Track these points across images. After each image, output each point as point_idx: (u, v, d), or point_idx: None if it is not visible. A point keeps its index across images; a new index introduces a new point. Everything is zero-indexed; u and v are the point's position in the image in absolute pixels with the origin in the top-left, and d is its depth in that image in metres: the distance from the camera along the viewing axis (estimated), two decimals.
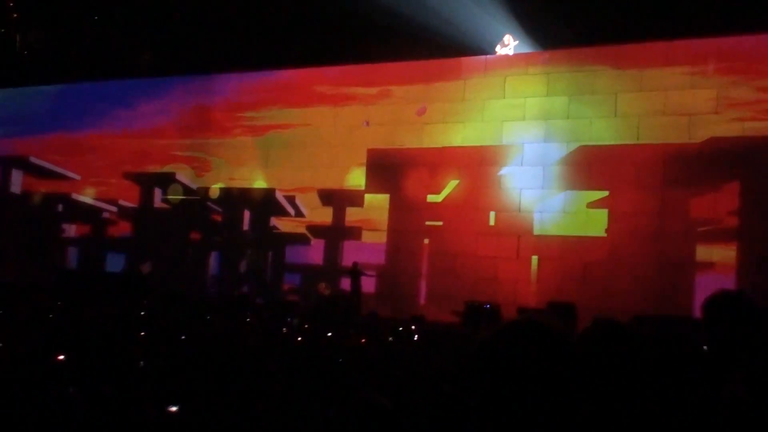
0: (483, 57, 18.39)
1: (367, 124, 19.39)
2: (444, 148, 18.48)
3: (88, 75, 22.14)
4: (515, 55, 18.21)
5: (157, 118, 22.26)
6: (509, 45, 18.16)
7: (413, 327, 9.75)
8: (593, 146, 16.95)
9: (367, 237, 19.11)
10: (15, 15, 21.24)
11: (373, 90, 19.62)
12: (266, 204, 20.28)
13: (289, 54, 19.25)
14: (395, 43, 17.70)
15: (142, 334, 7.43)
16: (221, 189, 20.88)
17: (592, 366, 1.88)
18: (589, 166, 16.95)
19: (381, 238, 18.97)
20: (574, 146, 17.13)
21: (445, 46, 17.51)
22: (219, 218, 21.11)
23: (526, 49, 18.07)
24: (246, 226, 20.66)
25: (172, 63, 21.34)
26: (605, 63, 17.18)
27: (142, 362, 5.47)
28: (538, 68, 17.87)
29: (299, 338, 7.44)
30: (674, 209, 16.09)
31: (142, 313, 10.69)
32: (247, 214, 20.67)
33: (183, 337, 7.16)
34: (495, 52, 18.33)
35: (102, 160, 22.70)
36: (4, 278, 18.43)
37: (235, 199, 20.71)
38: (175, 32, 20.72)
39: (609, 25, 16.07)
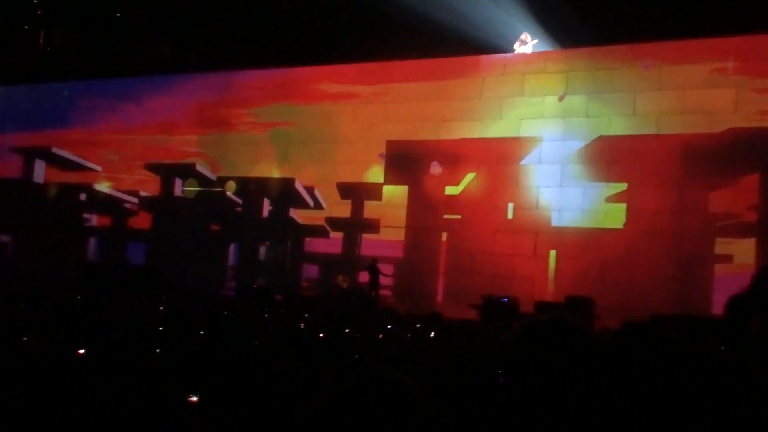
0: (501, 55, 18.36)
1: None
2: (462, 140, 18.46)
3: (107, 72, 22.29)
4: (534, 54, 18.17)
5: (174, 114, 22.40)
6: (528, 43, 18.12)
7: (431, 328, 9.74)
8: (612, 137, 16.90)
9: (385, 233, 19.13)
10: (39, 12, 21.39)
11: (392, 87, 19.64)
12: (286, 194, 20.36)
13: (309, 51, 19.29)
14: (414, 40, 17.69)
15: (161, 329, 7.48)
16: (240, 179, 20.97)
17: (622, 372, 1.85)
18: (607, 158, 16.92)
19: (399, 234, 19.00)
20: (591, 149, 17.08)
21: (464, 44, 17.48)
22: (238, 209, 21.22)
23: (544, 47, 18.03)
24: (265, 218, 20.76)
25: (189, 60, 21.47)
26: (624, 61, 17.11)
27: (160, 356, 5.52)
28: (556, 66, 17.83)
29: (321, 335, 7.46)
30: (693, 203, 16.02)
31: (161, 308, 10.75)
32: (266, 206, 20.78)
33: (201, 333, 7.19)
34: (514, 51, 18.29)
35: (118, 154, 22.87)
36: (28, 270, 18.58)
37: (254, 189, 20.81)
38: (192, 30, 20.82)
39: (628, 23, 16.00)
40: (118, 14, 21.18)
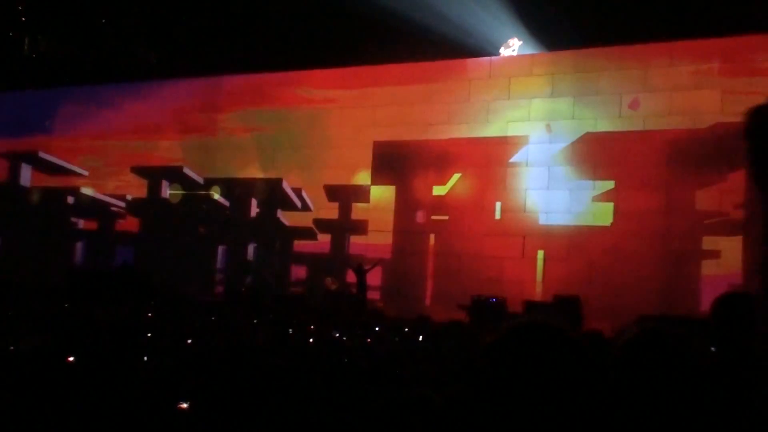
0: (488, 58, 18.42)
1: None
2: (450, 140, 18.50)
3: (92, 78, 22.24)
4: (520, 56, 18.24)
5: (159, 119, 22.36)
6: (513, 46, 18.19)
7: (419, 331, 9.75)
8: (599, 134, 17.00)
9: (373, 237, 19.13)
10: (23, 18, 21.31)
11: (379, 91, 19.65)
12: (273, 195, 20.33)
13: (294, 56, 19.30)
14: (401, 44, 17.74)
15: (149, 335, 7.47)
16: (228, 180, 20.95)
17: (638, 379, 1.80)
18: (594, 160, 16.98)
19: (387, 238, 18.99)
20: (578, 147, 17.14)
21: (450, 47, 17.53)
22: (225, 212, 21.14)
23: (530, 50, 18.10)
24: (252, 220, 20.74)
25: (174, 65, 21.43)
26: (609, 64, 17.19)
27: (149, 363, 5.51)
28: (542, 69, 17.91)
29: (311, 340, 7.48)
30: (680, 202, 16.06)
31: (149, 314, 10.72)
32: (253, 208, 20.77)
33: (189, 341, 7.18)
34: (499, 54, 18.35)
35: (103, 160, 22.76)
36: (15, 277, 18.47)
37: (241, 191, 20.79)
38: (177, 35, 20.78)
39: (613, 25, 16.07)
40: (103, 20, 21.11)
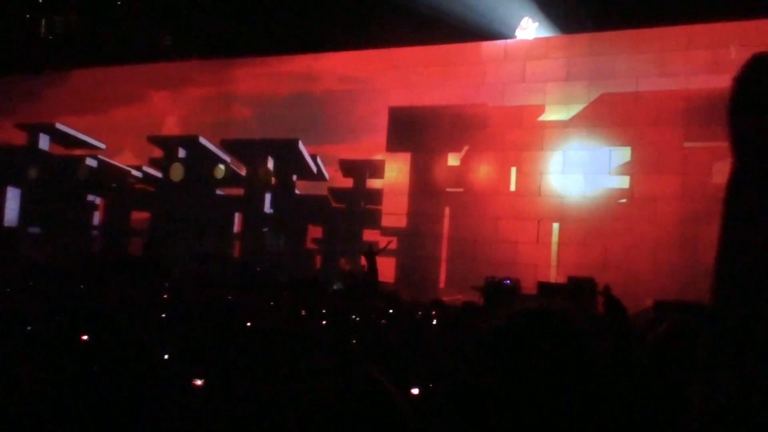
0: (503, 42, 18.31)
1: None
2: (469, 105, 18.44)
3: (109, 60, 22.29)
4: (535, 40, 18.13)
5: (171, 101, 22.45)
6: (528, 28, 18.08)
7: (434, 312, 9.77)
8: (615, 95, 16.89)
9: (386, 221, 19.10)
10: (40, 0, 21.37)
11: (393, 74, 19.59)
12: (288, 156, 20.34)
13: (307, 39, 19.27)
14: (415, 27, 17.66)
15: (163, 315, 7.53)
16: (243, 142, 20.87)
17: (666, 368, 1.79)
18: (609, 144, 16.88)
19: (401, 221, 18.95)
20: (594, 130, 17.04)
21: (465, 30, 17.45)
22: (240, 181, 21.16)
23: (546, 33, 17.99)
24: (268, 192, 20.78)
25: (189, 46, 21.47)
26: (626, 47, 17.06)
27: (163, 342, 5.56)
28: (558, 53, 17.80)
29: (324, 322, 7.51)
30: (696, 182, 15.85)
31: (164, 295, 10.78)
32: (269, 179, 20.77)
33: (203, 321, 7.22)
34: (515, 36, 18.25)
35: (116, 140, 22.80)
36: (32, 257, 18.60)
37: (256, 153, 20.74)
38: (193, 17, 20.76)
39: (629, 8, 15.95)
40: (119, 2, 21.14)
